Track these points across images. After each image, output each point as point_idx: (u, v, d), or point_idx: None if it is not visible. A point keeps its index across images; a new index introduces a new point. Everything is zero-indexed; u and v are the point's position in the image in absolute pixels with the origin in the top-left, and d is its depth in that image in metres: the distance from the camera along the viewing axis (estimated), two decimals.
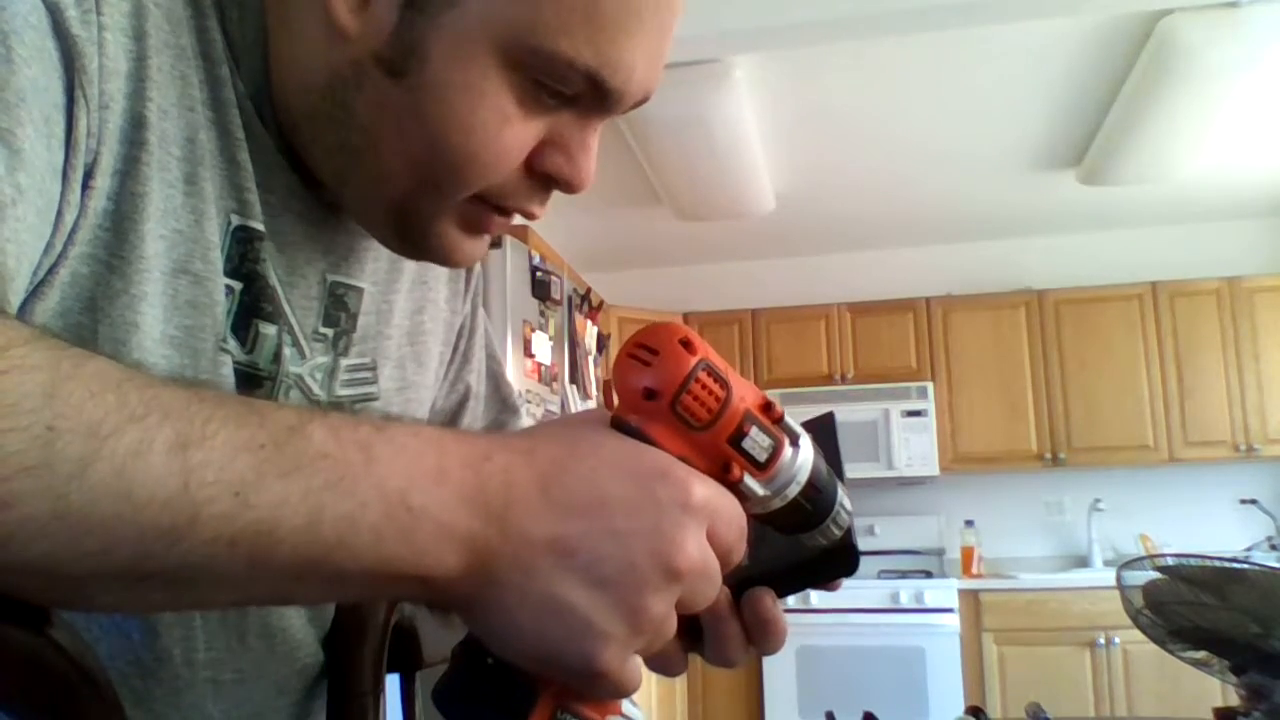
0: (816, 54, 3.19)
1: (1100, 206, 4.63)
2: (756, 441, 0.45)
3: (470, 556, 0.40)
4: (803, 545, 0.50)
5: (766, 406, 0.46)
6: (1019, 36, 3.12)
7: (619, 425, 0.45)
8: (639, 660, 0.43)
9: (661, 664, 0.50)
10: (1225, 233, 4.92)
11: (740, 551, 0.46)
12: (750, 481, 0.45)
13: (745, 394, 0.46)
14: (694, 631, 0.50)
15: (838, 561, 0.50)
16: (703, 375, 0.44)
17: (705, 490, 0.44)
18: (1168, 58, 3.07)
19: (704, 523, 0.43)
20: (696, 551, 0.42)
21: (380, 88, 0.53)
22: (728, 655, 0.49)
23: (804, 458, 0.47)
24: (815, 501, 0.47)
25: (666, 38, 0.55)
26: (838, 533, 0.49)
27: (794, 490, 0.46)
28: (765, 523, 0.48)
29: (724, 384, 0.44)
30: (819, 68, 3.32)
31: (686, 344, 0.44)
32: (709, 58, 3.07)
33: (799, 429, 0.48)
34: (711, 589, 0.44)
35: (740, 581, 0.49)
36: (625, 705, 0.46)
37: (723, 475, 0.45)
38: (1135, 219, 4.87)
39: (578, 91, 0.54)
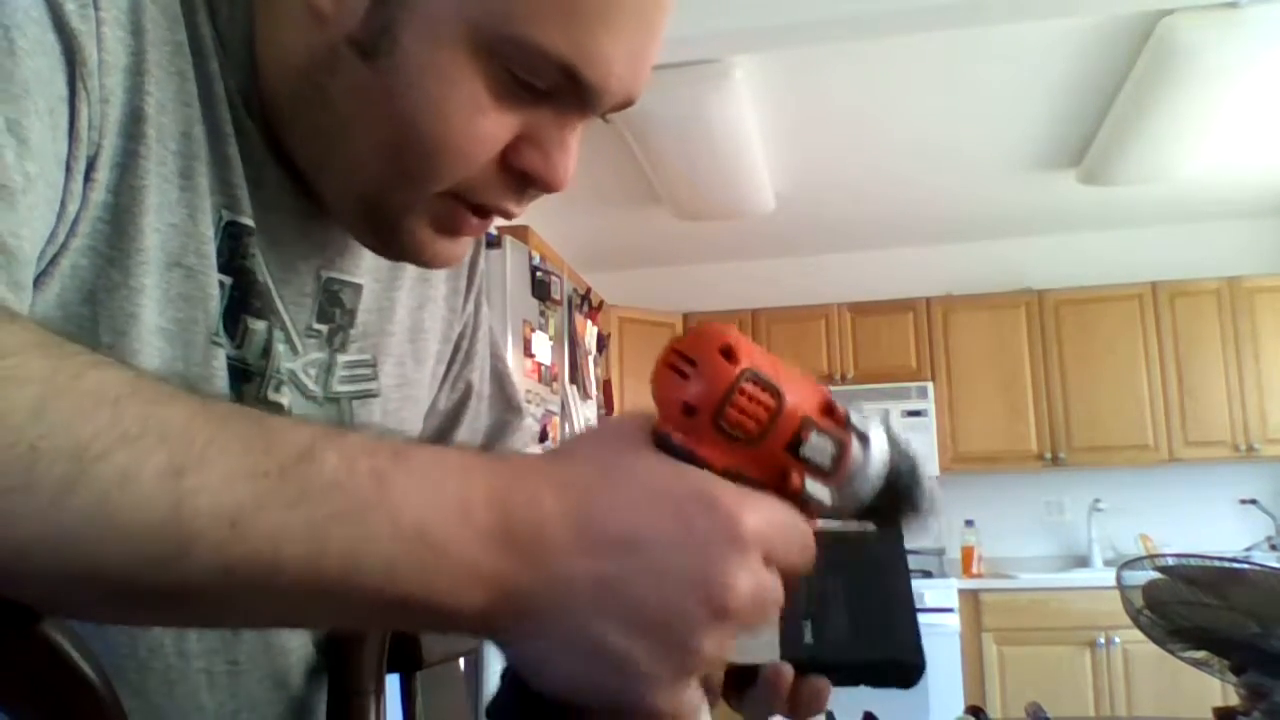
0: (816, 54, 3.19)
1: (1100, 206, 4.63)
2: (818, 447, 0.41)
3: (498, 593, 0.38)
4: (870, 645, 0.47)
5: (828, 408, 0.43)
6: (1019, 36, 3.12)
7: (660, 441, 0.41)
8: (696, 686, 0.40)
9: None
10: (1225, 233, 4.92)
11: (805, 564, 0.42)
12: (814, 488, 0.42)
13: (802, 398, 0.42)
14: (739, 680, 0.46)
15: (901, 671, 0.46)
16: (748, 386, 0.40)
17: (757, 517, 0.40)
18: (1168, 58, 3.07)
19: (758, 551, 0.40)
20: (749, 587, 0.39)
21: (354, 70, 0.52)
22: (763, 717, 0.48)
23: (876, 458, 0.43)
24: (899, 499, 0.45)
25: (652, 38, 0.53)
26: (930, 519, 0.46)
27: (868, 495, 0.43)
28: (850, 517, 0.45)
29: (774, 392, 0.41)
30: (819, 68, 3.32)
31: (728, 352, 0.40)
32: (709, 58, 3.06)
33: (868, 426, 0.44)
34: (772, 610, 0.41)
35: (804, 663, 0.46)
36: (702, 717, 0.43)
37: (781, 484, 0.41)
38: (1135, 219, 4.87)
39: (553, 84, 0.52)
